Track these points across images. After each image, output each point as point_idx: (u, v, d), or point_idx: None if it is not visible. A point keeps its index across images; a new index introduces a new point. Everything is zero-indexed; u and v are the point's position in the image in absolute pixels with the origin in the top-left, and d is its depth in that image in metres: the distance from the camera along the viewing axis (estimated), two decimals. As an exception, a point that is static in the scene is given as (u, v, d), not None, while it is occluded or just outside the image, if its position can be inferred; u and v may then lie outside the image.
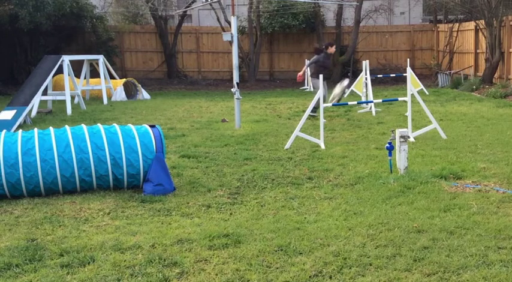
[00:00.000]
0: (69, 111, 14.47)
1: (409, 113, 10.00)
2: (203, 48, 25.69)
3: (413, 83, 11.93)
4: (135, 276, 4.31)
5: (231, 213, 5.90)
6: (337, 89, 11.83)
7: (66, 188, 6.60)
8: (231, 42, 12.07)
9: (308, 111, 9.83)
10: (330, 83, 22.49)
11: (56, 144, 6.52)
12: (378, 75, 18.93)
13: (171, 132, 11.09)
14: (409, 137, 8.29)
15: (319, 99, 9.57)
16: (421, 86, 17.68)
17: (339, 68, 24.15)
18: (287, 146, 9.38)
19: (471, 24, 21.00)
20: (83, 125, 7.03)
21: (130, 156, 6.64)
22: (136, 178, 6.74)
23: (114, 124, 7.10)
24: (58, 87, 17.36)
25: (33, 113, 14.03)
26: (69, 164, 6.48)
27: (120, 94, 18.25)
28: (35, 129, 6.82)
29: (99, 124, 7.08)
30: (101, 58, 17.83)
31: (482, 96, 16.88)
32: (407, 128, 9.61)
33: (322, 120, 9.68)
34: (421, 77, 21.30)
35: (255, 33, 24.11)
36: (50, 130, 6.78)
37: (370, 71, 14.44)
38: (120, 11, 26.79)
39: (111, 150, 6.61)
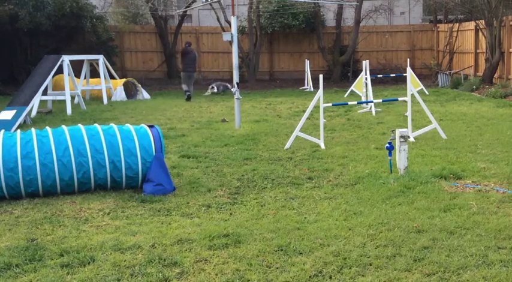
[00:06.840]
0: (69, 111, 14.47)
1: (409, 113, 10.00)
2: (203, 48, 25.68)
3: (413, 83, 11.91)
4: (135, 276, 4.31)
5: (231, 213, 5.90)
6: None
7: (64, 191, 6.58)
8: (231, 42, 12.07)
9: (308, 112, 9.81)
10: (330, 83, 22.69)
11: (55, 147, 6.47)
12: (378, 75, 18.92)
13: (171, 132, 11.08)
14: (409, 137, 8.29)
15: None
16: (421, 86, 17.68)
17: (339, 68, 24.17)
18: (287, 146, 9.38)
19: (471, 24, 21.00)
20: (80, 125, 7.01)
21: (129, 160, 6.62)
22: (134, 180, 6.73)
23: (112, 124, 7.07)
24: (58, 87, 17.35)
25: (33, 113, 14.02)
26: (68, 168, 6.45)
27: (120, 94, 18.24)
28: (33, 130, 6.77)
29: (96, 124, 7.06)
30: (101, 58, 17.82)
31: (482, 96, 16.87)
32: (407, 128, 9.60)
33: (322, 120, 9.67)
34: (421, 77, 21.30)
35: (255, 33, 24.09)
36: (47, 131, 6.72)
37: (370, 71, 14.44)
38: (120, 11, 26.79)
39: (110, 153, 6.58)
